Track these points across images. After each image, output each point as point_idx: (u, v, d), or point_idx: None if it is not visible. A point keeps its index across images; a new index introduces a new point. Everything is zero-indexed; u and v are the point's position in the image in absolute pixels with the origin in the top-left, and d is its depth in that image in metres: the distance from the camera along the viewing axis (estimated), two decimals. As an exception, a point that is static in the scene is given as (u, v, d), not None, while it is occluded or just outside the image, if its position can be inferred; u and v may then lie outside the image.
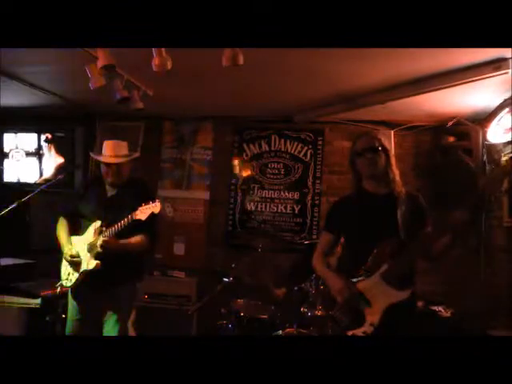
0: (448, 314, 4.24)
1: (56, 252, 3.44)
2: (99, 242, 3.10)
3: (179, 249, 5.67)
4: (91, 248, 3.20)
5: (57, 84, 4.67)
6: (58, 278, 3.43)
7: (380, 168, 2.61)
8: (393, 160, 2.65)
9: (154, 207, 3.05)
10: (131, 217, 3.06)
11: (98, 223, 3.24)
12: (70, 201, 3.53)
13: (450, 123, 4.85)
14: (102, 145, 3.46)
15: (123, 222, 3.09)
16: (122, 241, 3.17)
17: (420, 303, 4.07)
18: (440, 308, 4.29)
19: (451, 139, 4.89)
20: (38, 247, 5.24)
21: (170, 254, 5.60)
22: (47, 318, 4.01)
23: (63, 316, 4.04)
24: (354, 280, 2.56)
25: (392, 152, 2.67)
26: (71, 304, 3.37)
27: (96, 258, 3.17)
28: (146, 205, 3.05)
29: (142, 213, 3.04)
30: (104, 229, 3.17)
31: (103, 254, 3.14)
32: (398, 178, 2.63)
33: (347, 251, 2.77)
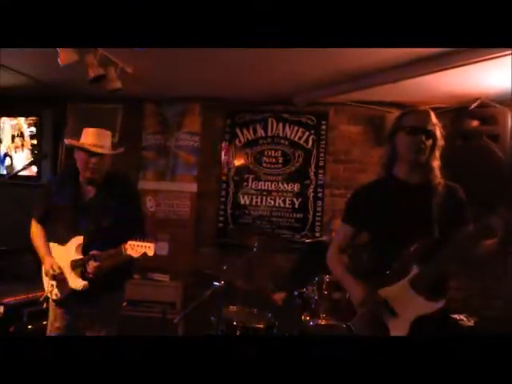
0: (471, 323, 4.24)
1: (23, 253, 3.42)
2: (89, 269, 3.14)
3: (162, 248, 5.63)
4: (75, 266, 3.23)
5: (20, 60, 4.62)
6: (40, 286, 3.41)
7: (425, 155, 2.49)
8: (439, 150, 2.54)
9: (148, 248, 3.10)
10: (120, 250, 3.10)
11: (80, 239, 3.24)
12: (41, 200, 3.48)
13: (473, 105, 4.85)
14: (75, 131, 3.43)
15: (111, 254, 3.14)
16: (112, 259, 3.19)
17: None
18: (461, 316, 4.28)
19: (474, 123, 4.86)
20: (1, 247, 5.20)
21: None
22: (11, 329, 3.99)
23: (30, 326, 4.04)
24: (378, 285, 2.48)
25: (441, 141, 2.54)
26: (53, 314, 3.39)
27: (82, 277, 3.21)
28: (138, 241, 3.09)
29: (133, 250, 3.08)
30: (92, 253, 3.16)
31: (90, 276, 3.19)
32: (438, 170, 2.53)
33: (370, 249, 2.69)
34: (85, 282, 3.19)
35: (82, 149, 3.25)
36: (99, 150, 3.23)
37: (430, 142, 2.49)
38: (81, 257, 3.22)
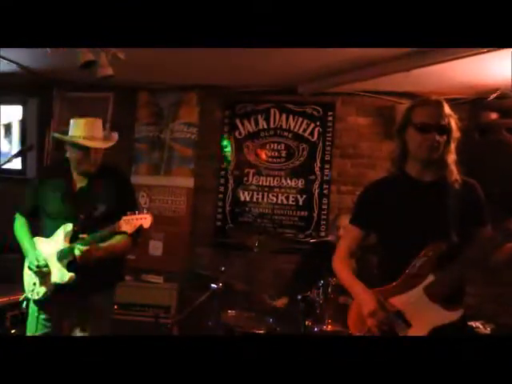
0: (487, 331, 4.23)
1: (6, 252, 3.41)
2: (77, 253, 3.07)
3: (156, 248, 5.65)
4: (62, 256, 3.18)
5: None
6: (21, 287, 3.40)
7: (438, 151, 2.44)
8: (454, 143, 2.48)
9: (144, 220, 3.05)
10: (114, 228, 3.07)
11: (69, 227, 3.21)
12: (28, 194, 3.47)
13: (492, 96, 4.84)
14: (62, 121, 3.41)
15: (104, 234, 3.10)
16: (103, 245, 3.16)
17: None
18: (478, 323, 4.27)
19: (493, 116, 4.86)
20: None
21: (144, 254, 5.56)
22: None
23: (13, 331, 4.03)
24: (389, 293, 2.45)
25: (457, 133, 2.49)
26: (33, 317, 3.34)
27: (68, 268, 3.16)
28: (132, 215, 3.05)
29: (128, 224, 3.03)
30: (81, 236, 3.13)
31: (78, 264, 3.12)
32: (454, 165, 2.48)
33: (380, 253, 2.68)
34: (71, 274, 3.13)
35: (73, 144, 3.25)
36: (91, 144, 3.23)
37: (443, 138, 2.43)
38: (68, 245, 3.17)
